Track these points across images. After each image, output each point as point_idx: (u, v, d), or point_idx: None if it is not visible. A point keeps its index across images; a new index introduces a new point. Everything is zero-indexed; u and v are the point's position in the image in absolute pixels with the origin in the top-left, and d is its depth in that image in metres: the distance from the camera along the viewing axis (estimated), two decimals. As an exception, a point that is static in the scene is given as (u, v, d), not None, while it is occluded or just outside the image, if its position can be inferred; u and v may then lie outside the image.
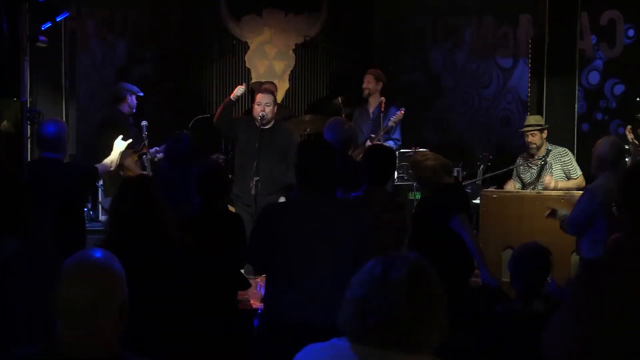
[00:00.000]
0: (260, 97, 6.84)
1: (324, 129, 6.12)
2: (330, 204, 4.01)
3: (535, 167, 7.06)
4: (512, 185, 7.16)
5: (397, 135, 7.89)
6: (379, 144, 6.98)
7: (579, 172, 6.98)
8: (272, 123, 6.79)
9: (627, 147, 6.59)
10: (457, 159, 7.93)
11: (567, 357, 2.70)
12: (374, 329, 2.01)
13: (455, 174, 7.34)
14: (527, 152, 7.10)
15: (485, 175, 7.49)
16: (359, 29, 10.26)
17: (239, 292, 4.82)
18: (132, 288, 3.58)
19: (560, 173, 7.00)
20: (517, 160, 7.22)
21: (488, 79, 9.55)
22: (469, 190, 6.98)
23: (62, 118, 7.64)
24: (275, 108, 6.86)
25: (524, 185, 7.12)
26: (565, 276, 5.32)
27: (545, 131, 7.03)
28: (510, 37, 9.31)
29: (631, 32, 8.14)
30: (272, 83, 9.49)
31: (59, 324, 2.16)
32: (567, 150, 7.15)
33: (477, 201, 6.87)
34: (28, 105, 6.10)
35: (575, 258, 5.99)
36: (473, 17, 9.59)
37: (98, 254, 2.24)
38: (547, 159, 7.01)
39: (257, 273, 4.59)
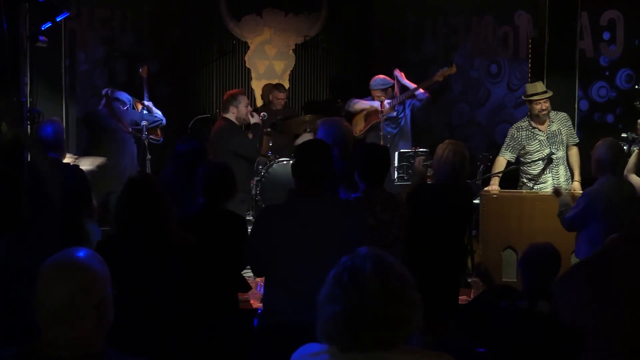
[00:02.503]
0: (246, 100, 7.02)
1: (319, 127, 6.06)
2: (329, 204, 4.01)
3: (543, 134, 7.09)
4: (496, 182, 7.19)
5: (419, 94, 7.83)
6: (370, 143, 6.96)
7: (577, 139, 7.19)
8: None
9: (623, 146, 6.59)
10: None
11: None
12: (361, 335, 2.02)
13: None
14: (532, 120, 7.12)
15: (485, 175, 7.49)
16: (359, 29, 10.26)
17: (239, 293, 4.82)
18: (135, 287, 3.60)
19: (565, 139, 7.12)
20: (514, 132, 7.23)
21: (488, 78, 9.55)
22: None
23: (62, 118, 7.64)
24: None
25: (527, 154, 7.13)
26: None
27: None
28: (510, 37, 9.31)
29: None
30: (282, 85, 9.58)
31: (39, 323, 2.17)
32: (567, 115, 7.28)
33: (477, 201, 6.87)
34: (28, 105, 6.10)
35: (575, 259, 5.98)
36: (473, 17, 9.59)
37: (78, 253, 2.24)
38: (554, 126, 7.12)
39: (256, 275, 4.58)
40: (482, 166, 7.65)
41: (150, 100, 8.01)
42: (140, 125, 7.60)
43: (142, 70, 8.08)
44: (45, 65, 7.03)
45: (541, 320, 3.77)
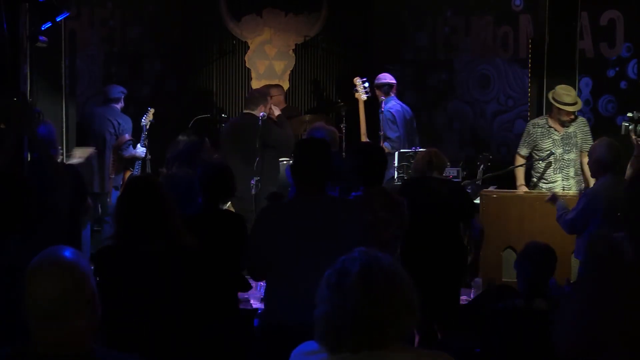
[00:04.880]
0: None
1: (308, 133, 6.12)
2: (327, 203, 4.01)
3: (558, 135, 7.04)
4: (521, 177, 7.17)
5: (390, 134, 7.92)
6: (365, 143, 6.99)
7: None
8: None
9: (629, 126, 6.55)
10: (458, 159, 7.94)
11: (575, 351, 2.70)
12: (344, 337, 2.03)
13: (455, 173, 7.35)
14: (551, 119, 7.06)
15: (486, 175, 7.48)
16: (359, 29, 10.25)
17: (239, 292, 4.82)
18: (135, 287, 3.59)
19: (580, 142, 7.05)
20: (530, 128, 7.17)
21: (487, 78, 9.55)
22: (469, 190, 6.98)
23: (62, 118, 7.66)
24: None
25: (538, 152, 7.09)
26: (565, 276, 5.33)
27: None
28: (510, 37, 9.31)
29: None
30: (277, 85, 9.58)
31: (30, 323, 2.17)
32: (585, 119, 7.18)
33: (477, 201, 6.87)
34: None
35: (575, 259, 5.98)
36: (473, 17, 9.59)
37: (64, 251, 2.24)
38: (571, 128, 7.04)
39: (255, 279, 4.57)
40: (482, 166, 7.65)
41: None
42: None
43: (148, 115, 8.16)
44: (45, 65, 7.03)
45: (537, 319, 3.78)
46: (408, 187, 5.48)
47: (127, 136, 7.99)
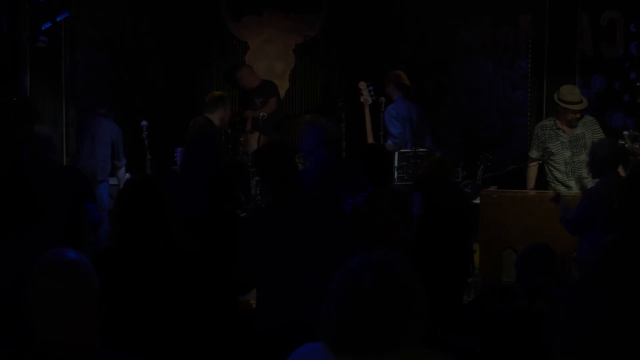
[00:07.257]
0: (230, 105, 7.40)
1: (304, 129, 5.96)
2: (307, 203, 3.99)
3: (566, 136, 7.02)
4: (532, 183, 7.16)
5: (392, 130, 7.91)
6: (373, 144, 6.98)
7: None
8: None
9: (625, 144, 6.55)
10: (457, 159, 7.94)
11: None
12: (355, 339, 2.02)
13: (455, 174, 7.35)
14: (558, 120, 7.04)
15: (486, 175, 7.48)
16: (359, 29, 10.24)
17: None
18: (135, 287, 3.59)
19: (589, 143, 6.91)
20: (538, 130, 7.17)
21: (488, 78, 9.55)
22: (469, 190, 6.97)
23: (62, 118, 7.66)
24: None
25: (549, 154, 7.07)
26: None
27: None
28: (510, 37, 9.30)
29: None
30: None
31: (36, 324, 2.16)
32: (594, 118, 7.15)
33: (477, 201, 6.87)
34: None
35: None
36: (473, 17, 9.59)
37: (69, 252, 2.24)
38: (578, 129, 7.02)
39: (244, 291, 4.52)
40: (482, 166, 7.65)
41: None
42: None
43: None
44: (45, 65, 7.03)
45: (538, 320, 3.79)
46: (422, 183, 5.46)
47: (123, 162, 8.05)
